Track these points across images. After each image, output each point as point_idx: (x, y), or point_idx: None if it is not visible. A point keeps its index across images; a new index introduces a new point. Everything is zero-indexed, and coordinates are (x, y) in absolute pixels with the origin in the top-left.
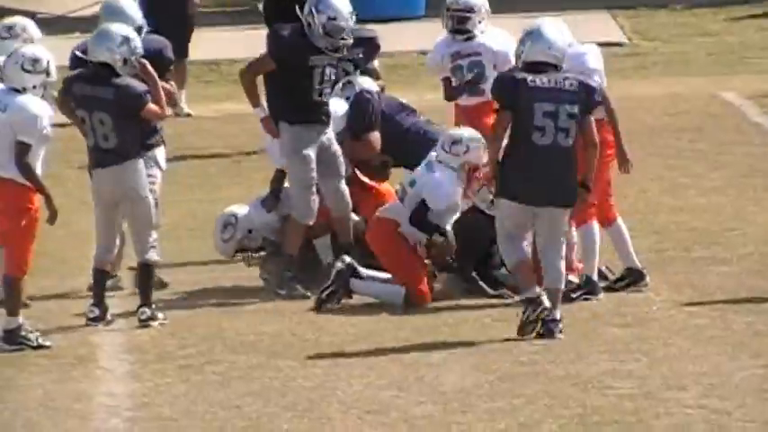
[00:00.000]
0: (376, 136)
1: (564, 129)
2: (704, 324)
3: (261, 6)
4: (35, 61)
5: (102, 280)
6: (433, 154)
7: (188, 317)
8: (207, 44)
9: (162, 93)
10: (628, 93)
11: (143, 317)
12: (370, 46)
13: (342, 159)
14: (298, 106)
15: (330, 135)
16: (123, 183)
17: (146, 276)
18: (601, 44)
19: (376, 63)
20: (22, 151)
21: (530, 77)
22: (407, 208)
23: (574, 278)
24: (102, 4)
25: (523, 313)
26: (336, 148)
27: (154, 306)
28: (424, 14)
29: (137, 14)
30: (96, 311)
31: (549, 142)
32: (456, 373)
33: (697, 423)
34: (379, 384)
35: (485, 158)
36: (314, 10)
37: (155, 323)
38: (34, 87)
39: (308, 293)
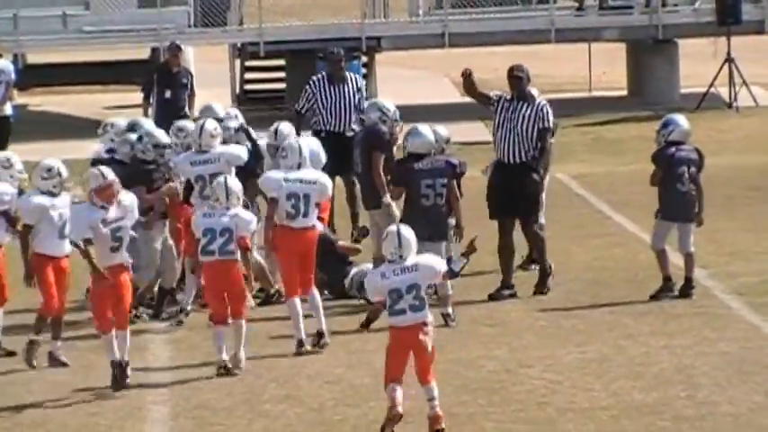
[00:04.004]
0: None
1: (439, 193)
2: (544, 325)
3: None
4: None
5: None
6: None
7: None
8: None
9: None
10: None
11: None
12: None
13: None
14: None
15: None
16: None
17: None
18: (474, 143)
19: None
20: None
21: (413, 163)
22: None
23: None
24: None
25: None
26: None
27: None
28: None
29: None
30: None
31: (430, 204)
32: (384, 356)
33: (539, 389)
34: (334, 364)
35: None
36: None
37: None
38: None
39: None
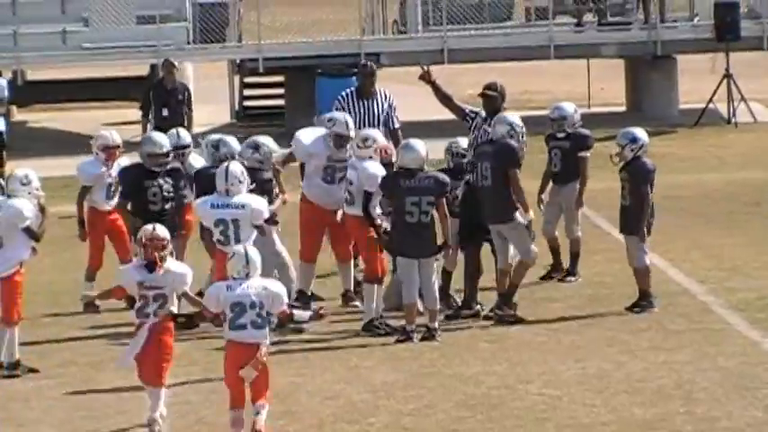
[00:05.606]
0: None
1: (425, 211)
2: (544, 340)
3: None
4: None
5: None
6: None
7: None
8: None
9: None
10: None
11: None
12: None
13: None
14: None
15: None
16: None
17: None
18: None
19: None
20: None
21: (401, 180)
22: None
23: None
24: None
25: (401, 334)
26: None
27: None
28: None
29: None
30: None
31: (415, 221)
32: (382, 372)
33: (538, 405)
34: (333, 380)
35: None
36: None
37: None
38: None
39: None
